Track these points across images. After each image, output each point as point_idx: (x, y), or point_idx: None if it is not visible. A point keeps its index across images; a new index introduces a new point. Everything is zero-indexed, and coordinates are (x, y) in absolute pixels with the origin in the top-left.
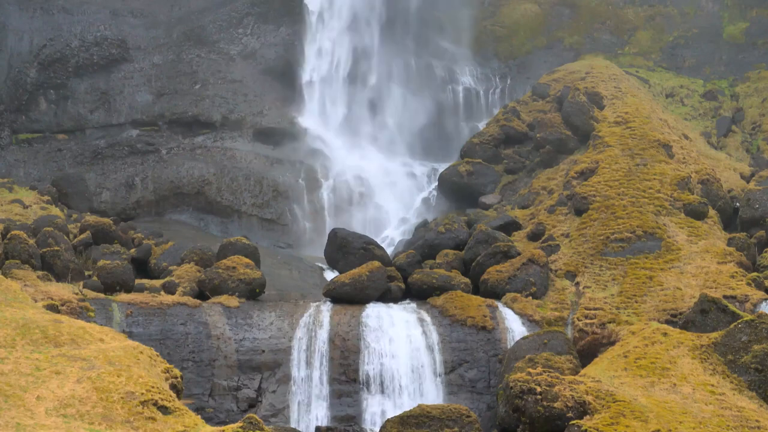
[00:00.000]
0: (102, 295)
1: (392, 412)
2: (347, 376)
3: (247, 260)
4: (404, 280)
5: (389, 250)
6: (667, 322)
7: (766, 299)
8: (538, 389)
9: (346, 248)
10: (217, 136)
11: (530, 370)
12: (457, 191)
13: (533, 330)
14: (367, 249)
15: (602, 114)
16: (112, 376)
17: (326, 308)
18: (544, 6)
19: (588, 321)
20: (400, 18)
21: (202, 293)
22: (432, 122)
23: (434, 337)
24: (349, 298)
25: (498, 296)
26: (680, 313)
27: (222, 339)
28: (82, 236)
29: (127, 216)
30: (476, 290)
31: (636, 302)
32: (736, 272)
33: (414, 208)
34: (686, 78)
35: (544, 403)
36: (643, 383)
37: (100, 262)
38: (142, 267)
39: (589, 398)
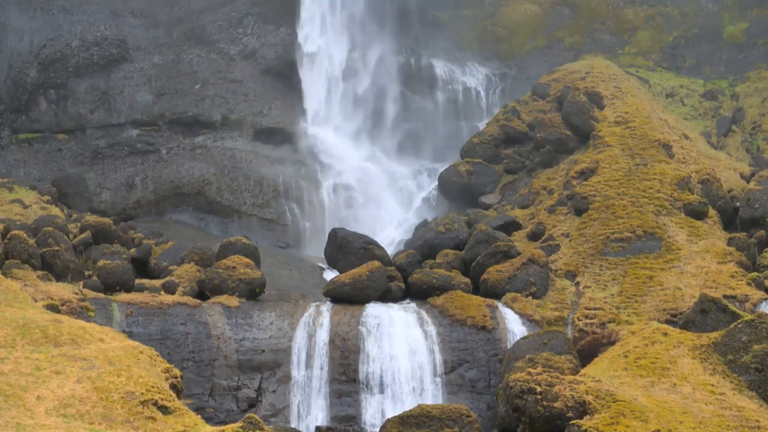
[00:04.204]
0: (102, 295)
1: (392, 412)
2: (347, 376)
3: (247, 260)
4: (404, 280)
5: (389, 250)
6: (667, 321)
7: (766, 299)
8: (538, 389)
9: (346, 248)
10: (217, 136)
11: (530, 369)
12: (457, 191)
13: (533, 330)
14: (367, 249)
15: (602, 114)
16: (112, 376)
17: (326, 308)
18: (544, 6)
19: (588, 321)
20: (400, 17)
21: (202, 293)
22: (432, 122)
23: (434, 337)
24: (349, 298)
25: (498, 296)
26: (680, 313)
27: (222, 339)
28: (82, 236)
29: (127, 216)
30: (476, 290)
31: (636, 302)
32: (736, 272)
33: (414, 208)
34: (686, 78)
35: (544, 402)
36: (643, 383)
37: (100, 262)
38: (142, 267)
39: (589, 398)
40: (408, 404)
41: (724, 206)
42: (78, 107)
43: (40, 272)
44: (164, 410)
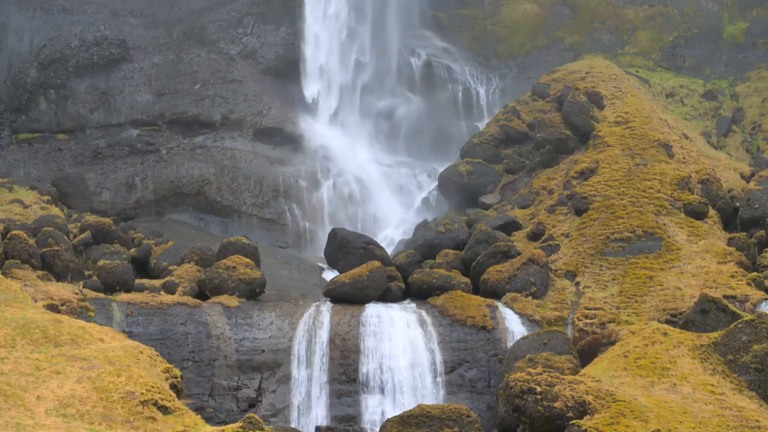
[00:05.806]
0: (102, 295)
1: (392, 412)
2: (347, 376)
3: (247, 260)
4: (404, 280)
5: (389, 250)
6: (667, 321)
7: (766, 299)
8: (538, 389)
9: (346, 248)
10: (217, 136)
11: (530, 369)
12: (457, 191)
13: (533, 330)
14: (367, 249)
15: (602, 114)
16: (112, 376)
17: (326, 308)
18: (544, 6)
19: (588, 321)
20: (401, 17)
21: (202, 293)
22: (432, 122)
23: (434, 337)
24: (349, 298)
25: (498, 296)
26: (680, 313)
27: (222, 339)
28: (82, 236)
29: (127, 216)
30: (476, 290)
31: (636, 302)
32: (736, 272)
33: (414, 208)
34: (686, 78)
35: (544, 402)
36: (643, 383)
37: (100, 262)
38: (142, 267)
39: (589, 398)
40: (408, 404)
41: (724, 206)
42: (78, 107)
43: (40, 272)
44: (164, 410)
